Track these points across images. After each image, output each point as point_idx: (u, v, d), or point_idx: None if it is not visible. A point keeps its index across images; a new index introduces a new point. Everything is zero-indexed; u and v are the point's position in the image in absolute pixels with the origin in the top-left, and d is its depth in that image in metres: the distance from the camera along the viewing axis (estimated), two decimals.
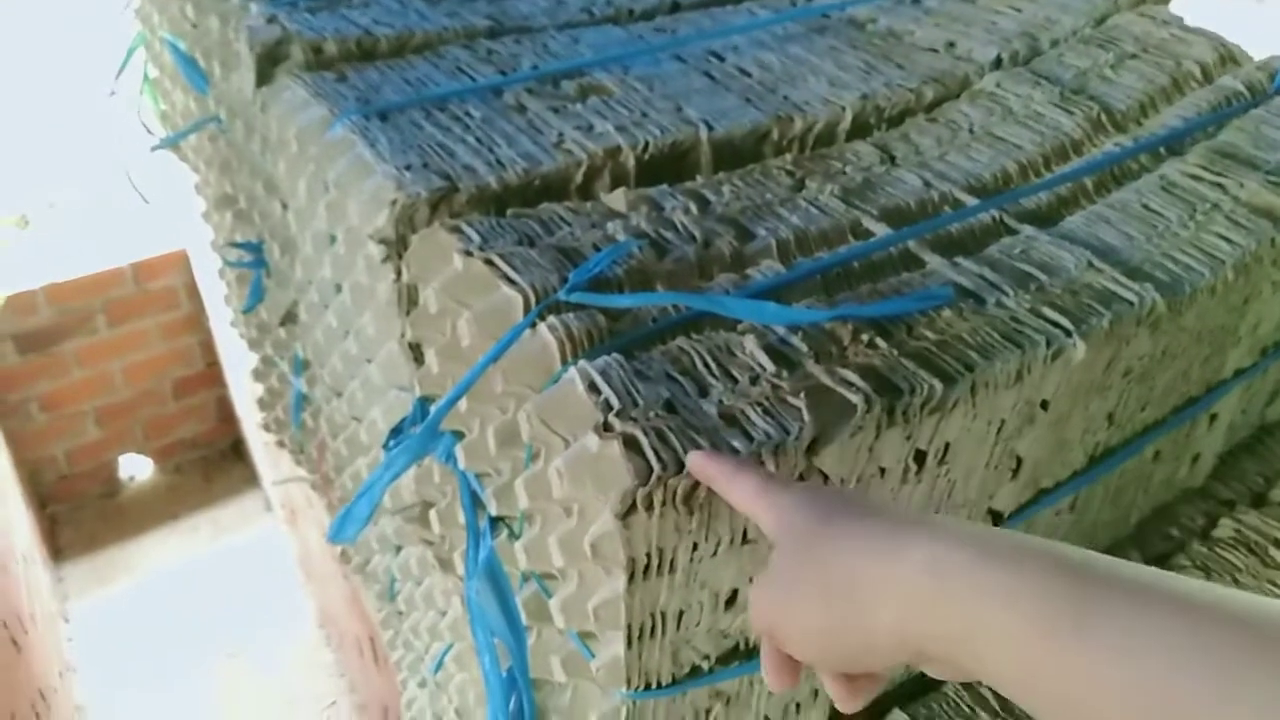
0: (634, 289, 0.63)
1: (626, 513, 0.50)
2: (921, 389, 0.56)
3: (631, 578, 0.53)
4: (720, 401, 0.54)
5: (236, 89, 0.94)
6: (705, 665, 0.63)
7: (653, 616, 0.57)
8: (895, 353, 0.58)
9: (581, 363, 0.55)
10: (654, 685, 0.61)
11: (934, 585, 0.35)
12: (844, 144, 0.85)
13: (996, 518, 0.73)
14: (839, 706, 0.43)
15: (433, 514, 0.76)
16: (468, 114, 0.81)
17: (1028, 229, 0.73)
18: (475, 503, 0.67)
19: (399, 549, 1.01)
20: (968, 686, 0.79)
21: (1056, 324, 0.63)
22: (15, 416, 2.78)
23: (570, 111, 0.82)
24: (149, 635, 2.73)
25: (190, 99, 1.18)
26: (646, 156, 0.79)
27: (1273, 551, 0.88)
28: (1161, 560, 0.88)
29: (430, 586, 0.96)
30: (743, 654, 0.65)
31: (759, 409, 0.54)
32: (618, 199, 0.73)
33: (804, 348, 0.58)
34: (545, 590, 0.63)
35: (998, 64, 0.95)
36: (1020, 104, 0.89)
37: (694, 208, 0.72)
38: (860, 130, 0.88)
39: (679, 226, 0.69)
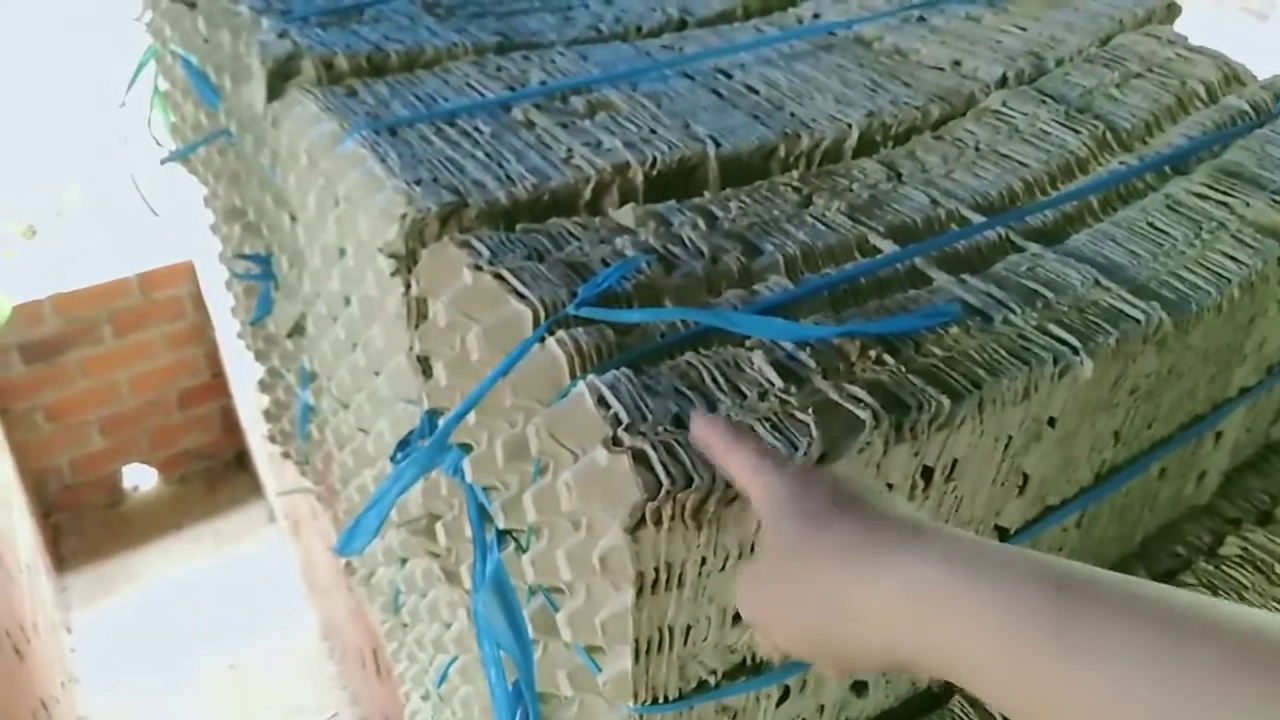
0: (642, 304, 0.63)
1: (635, 527, 0.50)
2: (929, 405, 0.56)
3: (640, 592, 0.53)
4: (729, 416, 0.54)
5: (247, 103, 0.95)
6: (712, 680, 0.63)
7: (660, 631, 0.57)
8: (903, 369, 0.59)
9: (590, 377, 0.56)
10: (661, 700, 0.61)
11: (914, 604, 0.35)
12: (850, 161, 0.86)
13: (1003, 534, 0.73)
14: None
15: (439, 526, 0.76)
16: (477, 129, 0.81)
17: (1034, 247, 0.73)
18: (482, 516, 0.67)
19: (404, 561, 1.01)
20: (975, 703, 0.79)
21: (1063, 341, 0.63)
22: (20, 426, 2.79)
23: (579, 127, 0.83)
24: (152, 645, 2.72)
25: (201, 112, 1.19)
26: (655, 173, 0.79)
27: (1279, 569, 0.88)
28: (1167, 577, 0.88)
29: (435, 599, 0.96)
30: (750, 669, 0.65)
31: (767, 424, 0.54)
32: (626, 215, 0.74)
33: (812, 364, 0.58)
34: (552, 604, 0.63)
35: (1003, 82, 0.96)
36: (1026, 122, 0.89)
37: (702, 224, 0.72)
38: (867, 148, 0.89)
39: (687, 242, 0.70)
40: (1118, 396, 0.71)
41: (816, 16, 1.09)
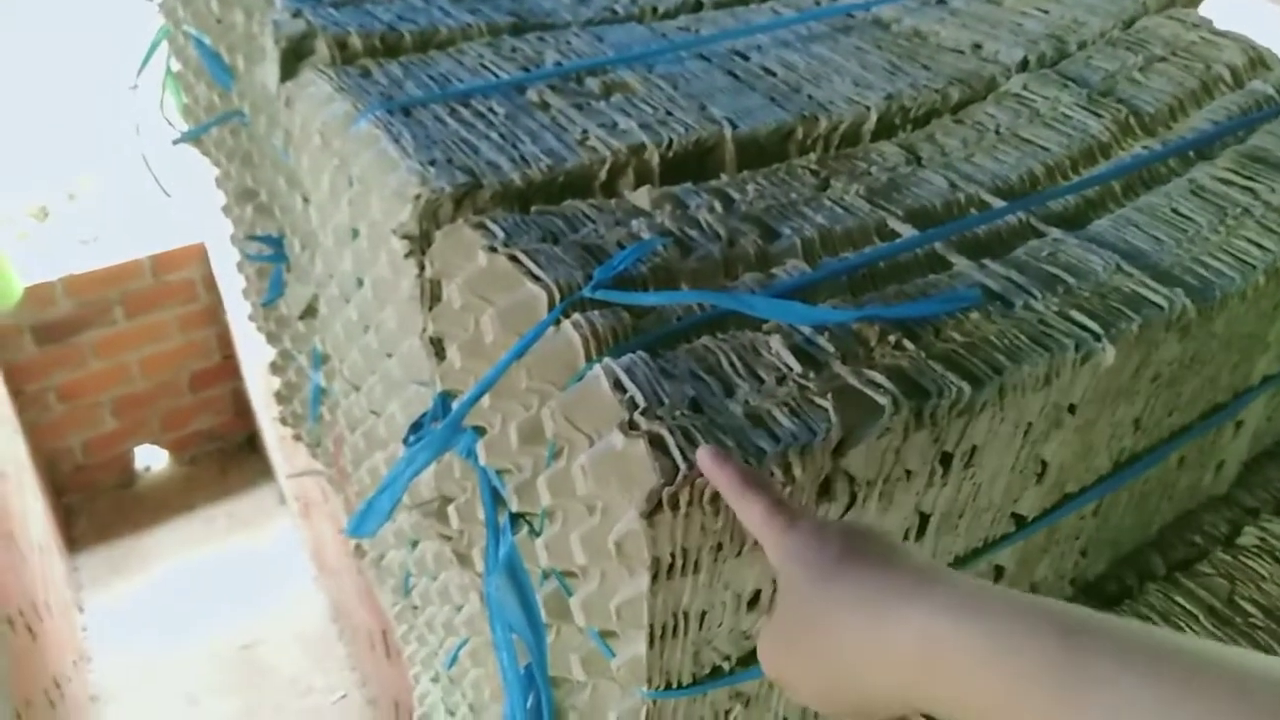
0: (658, 287, 0.62)
1: (652, 512, 0.49)
2: (949, 391, 0.56)
3: (655, 577, 0.53)
4: (746, 401, 0.54)
5: (260, 83, 0.95)
6: (726, 666, 0.63)
7: (675, 616, 0.56)
8: (923, 355, 0.58)
9: (606, 360, 0.55)
10: (674, 685, 0.60)
11: (925, 658, 0.36)
12: (869, 144, 0.85)
13: (1020, 521, 0.73)
14: None
15: (452, 509, 0.76)
16: (491, 110, 0.80)
17: (1055, 231, 0.72)
18: (496, 499, 0.67)
19: (415, 543, 1.01)
20: None
21: (1085, 327, 0.62)
22: (33, 407, 2.80)
23: (594, 109, 0.82)
24: (162, 625, 2.74)
25: (213, 93, 1.18)
26: (671, 154, 0.78)
27: None
28: (1184, 567, 0.87)
29: (446, 581, 0.96)
30: None
31: (786, 409, 0.53)
32: (642, 197, 0.73)
33: (830, 348, 0.57)
34: (566, 588, 0.63)
35: (1024, 66, 0.95)
36: (1047, 106, 0.88)
37: (719, 206, 0.72)
38: (885, 131, 0.87)
39: (704, 225, 0.69)
40: (1139, 384, 0.70)
41: None
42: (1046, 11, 1.03)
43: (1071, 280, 0.67)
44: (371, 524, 0.69)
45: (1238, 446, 0.93)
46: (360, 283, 0.85)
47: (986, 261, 0.68)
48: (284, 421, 1.50)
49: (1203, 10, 1.06)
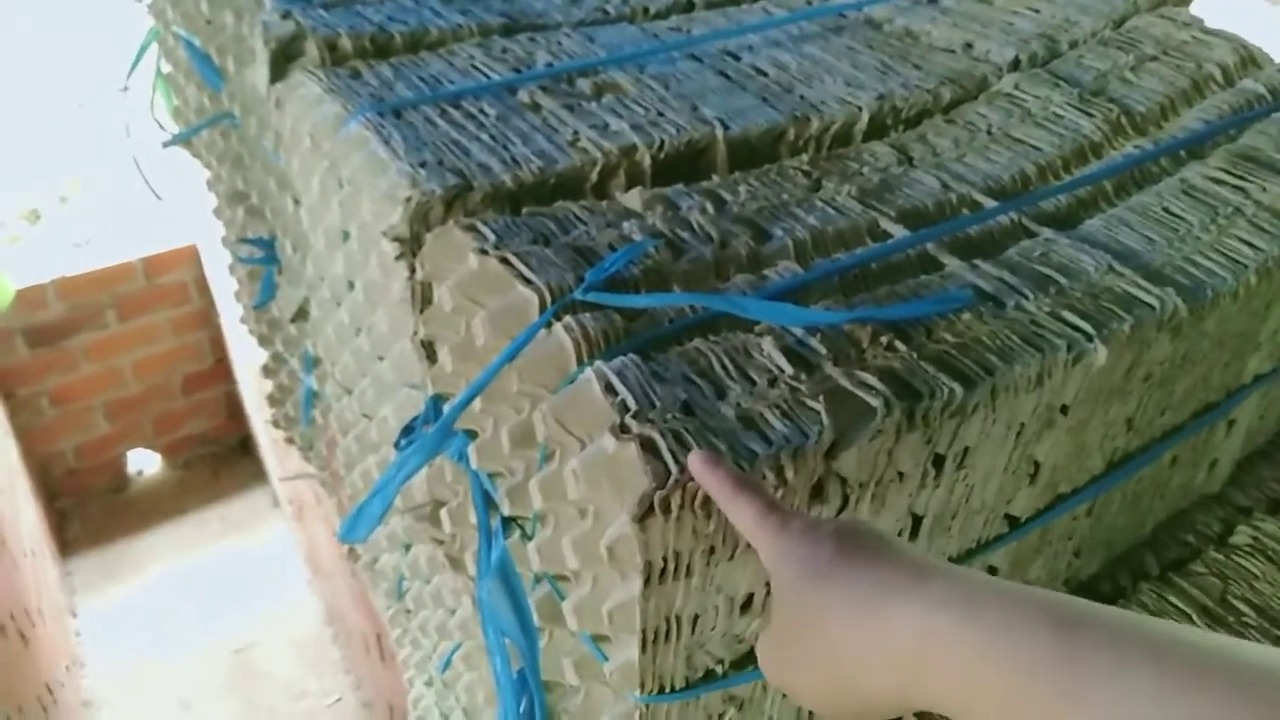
0: (650, 289, 0.62)
1: (643, 516, 0.49)
2: (941, 393, 0.56)
3: (647, 581, 0.52)
4: (738, 404, 0.53)
5: (250, 85, 0.94)
6: (719, 669, 0.62)
7: (668, 620, 0.56)
8: (914, 356, 0.58)
9: (598, 363, 0.55)
10: (667, 689, 0.60)
11: (922, 654, 0.35)
12: (861, 145, 0.85)
13: (1013, 522, 0.72)
14: None
15: (444, 513, 0.76)
16: (482, 112, 0.80)
17: (1047, 232, 0.72)
18: (488, 502, 0.67)
19: (408, 547, 1.00)
20: None
21: (1077, 328, 0.62)
22: (25, 411, 2.79)
23: (585, 110, 0.82)
24: (156, 630, 2.73)
25: (203, 95, 1.17)
26: (662, 155, 0.78)
27: None
28: (1178, 566, 0.87)
29: (439, 585, 0.96)
30: (756, 658, 0.65)
31: (777, 412, 0.53)
32: (633, 198, 0.73)
33: (822, 350, 0.57)
34: (558, 592, 0.62)
35: (1016, 65, 0.95)
36: (1039, 106, 0.88)
37: (710, 207, 0.71)
38: (877, 131, 0.87)
39: (695, 226, 0.69)
40: (1131, 383, 0.70)
41: None
42: (1038, 11, 1.03)
43: (1063, 280, 0.67)
44: (364, 529, 0.69)
45: (1230, 445, 0.93)
46: (351, 285, 0.85)
47: (978, 262, 0.68)
48: (277, 425, 1.50)
49: (1194, 9, 1.06)
